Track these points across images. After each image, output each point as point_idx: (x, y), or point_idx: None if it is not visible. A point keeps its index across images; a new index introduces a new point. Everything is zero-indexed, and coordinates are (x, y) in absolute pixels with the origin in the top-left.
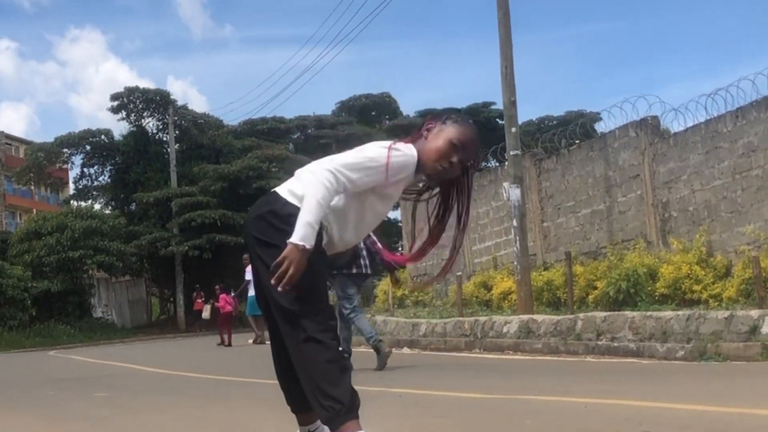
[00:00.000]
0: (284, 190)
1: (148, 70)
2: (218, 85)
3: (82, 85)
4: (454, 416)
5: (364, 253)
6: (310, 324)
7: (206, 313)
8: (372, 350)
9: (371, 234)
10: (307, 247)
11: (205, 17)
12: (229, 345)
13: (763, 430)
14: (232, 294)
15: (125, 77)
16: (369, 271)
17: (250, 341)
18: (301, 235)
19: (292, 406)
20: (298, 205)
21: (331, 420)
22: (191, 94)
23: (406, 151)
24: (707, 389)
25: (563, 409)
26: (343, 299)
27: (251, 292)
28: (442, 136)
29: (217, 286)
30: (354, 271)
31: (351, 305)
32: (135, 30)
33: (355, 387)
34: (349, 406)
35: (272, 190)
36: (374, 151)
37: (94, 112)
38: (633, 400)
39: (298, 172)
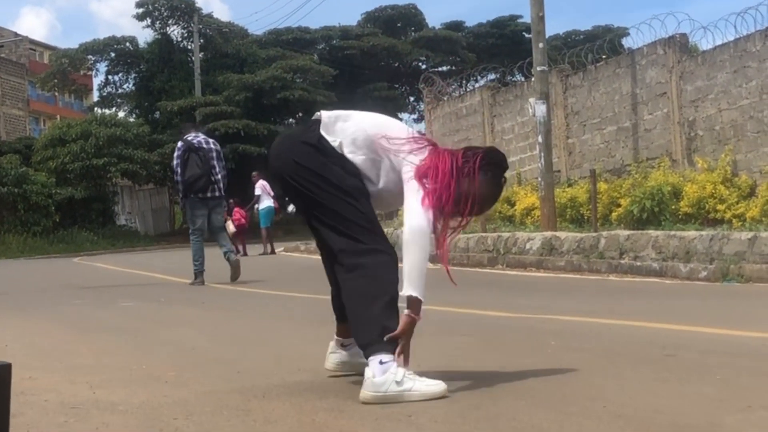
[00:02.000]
0: (339, 142)
1: None
2: None
3: None
4: (479, 335)
5: (219, 177)
6: (357, 249)
7: (231, 227)
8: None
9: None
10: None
11: None
12: (245, 254)
13: None
14: (246, 208)
15: None
16: (222, 194)
17: (260, 253)
18: (418, 310)
19: (337, 313)
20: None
21: (367, 346)
22: (213, 2)
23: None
24: (729, 312)
25: (587, 330)
26: (190, 220)
27: (262, 206)
28: (468, 190)
29: (230, 200)
30: (208, 195)
31: (194, 226)
32: None
33: None
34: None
35: (318, 126)
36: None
37: (116, 18)
38: (656, 323)
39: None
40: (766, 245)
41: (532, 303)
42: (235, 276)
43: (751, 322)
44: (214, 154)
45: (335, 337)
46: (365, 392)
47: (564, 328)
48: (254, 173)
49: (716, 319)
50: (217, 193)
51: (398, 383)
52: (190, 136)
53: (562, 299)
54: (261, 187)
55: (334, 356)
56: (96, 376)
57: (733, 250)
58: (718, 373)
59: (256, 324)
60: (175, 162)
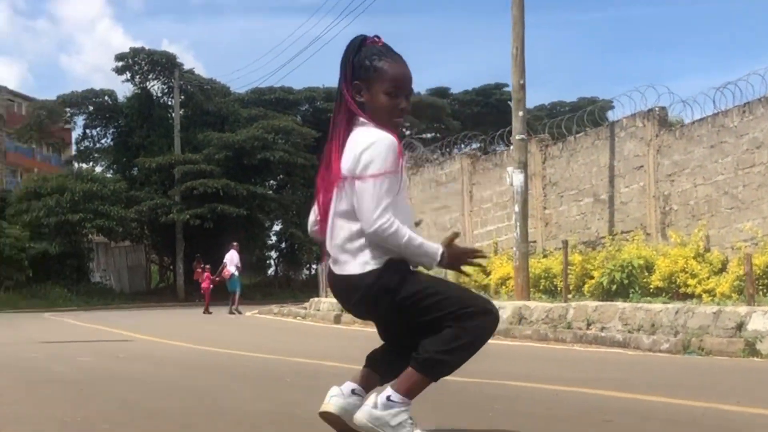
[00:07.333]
0: (356, 264)
1: (143, 33)
2: (216, 52)
3: (74, 45)
4: (430, 400)
5: None
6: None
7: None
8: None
9: None
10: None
11: None
12: (209, 312)
13: (720, 423)
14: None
15: (119, 39)
16: None
17: (226, 312)
18: (432, 250)
19: (368, 362)
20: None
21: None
22: (187, 60)
23: (389, 144)
24: (679, 382)
25: (534, 396)
26: None
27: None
28: (374, 91)
29: (199, 264)
30: None
31: None
32: None
33: (336, 363)
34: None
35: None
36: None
37: (88, 75)
38: (603, 390)
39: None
40: (729, 319)
41: (489, 369)
42: None
43: (698, 391)
44: None
45: (349, 381)
46: (360, 416)
47: (512, 394)
48: (234, 243)
49: (663, 388)
50: None
51: (392, 427)
52: None
53: (519, 366)
54: (228, 258)
55: (336, 399)
56: (25, 426)
57: (697, 324)
58: None
59: (209, 381)
60: None
